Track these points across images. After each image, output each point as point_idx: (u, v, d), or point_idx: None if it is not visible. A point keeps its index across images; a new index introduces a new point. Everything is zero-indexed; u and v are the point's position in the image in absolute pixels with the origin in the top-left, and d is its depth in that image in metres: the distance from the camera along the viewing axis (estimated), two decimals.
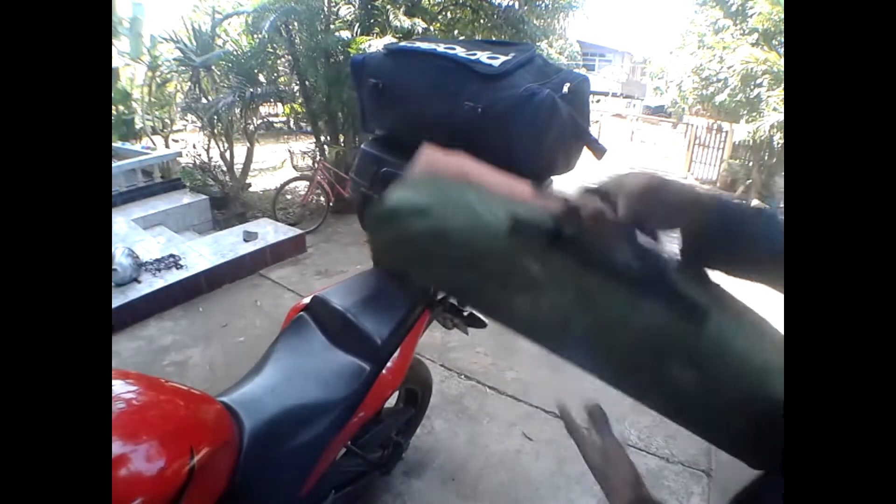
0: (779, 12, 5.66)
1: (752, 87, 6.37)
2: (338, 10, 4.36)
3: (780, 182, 6.79)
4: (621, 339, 0.45)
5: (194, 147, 5.29)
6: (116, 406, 0.72)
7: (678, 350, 0.43)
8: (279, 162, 6.60)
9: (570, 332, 0.47)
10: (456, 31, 4.80)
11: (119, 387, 0.76)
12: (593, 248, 0.45)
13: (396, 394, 1.44)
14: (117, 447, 0.65)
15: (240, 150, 5.36)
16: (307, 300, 1.25)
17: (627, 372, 0.48)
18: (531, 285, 0.47)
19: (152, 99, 6.11)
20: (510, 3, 4.45)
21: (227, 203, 4.80)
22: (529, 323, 0.50)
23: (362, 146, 1.24)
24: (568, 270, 0.46)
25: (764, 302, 0.54)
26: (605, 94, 19.06)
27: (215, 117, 4.46)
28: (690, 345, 0.43)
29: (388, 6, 4.07)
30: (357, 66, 1.14)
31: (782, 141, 5.77)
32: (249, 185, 5.40)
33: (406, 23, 3.96)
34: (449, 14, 4.88)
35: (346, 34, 4.17)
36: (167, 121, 6.55)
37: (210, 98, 4.92)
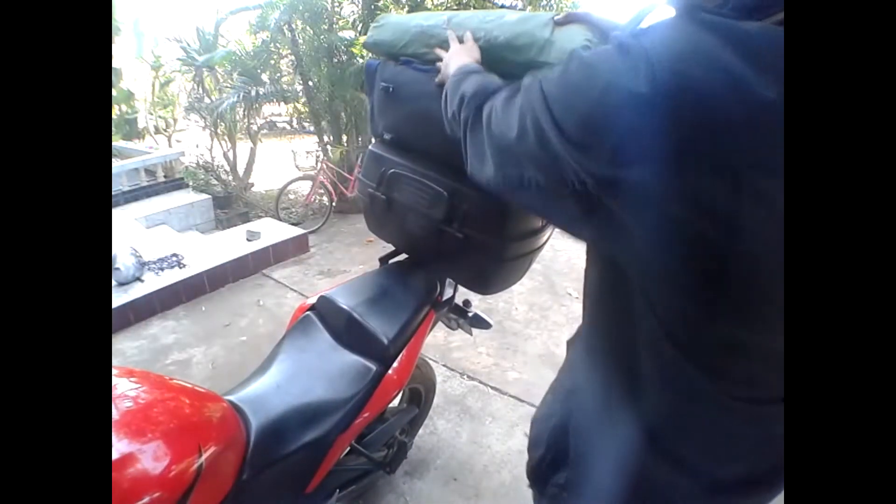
0: None
1: None
2: (341, 9, 4.36)
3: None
4: None
5: (197, 147, 5.30)
6: (124, 404, 0.71)
7: None
8: (282, 161, 6.61)
9: None
10: None
11: (126, 385, 0.76)
12: None
13: (400, 393, 1.44)
14: (125, 445, 0.65)
15: (243, 150, 5.37)
16: (313, 300, 1.25)
17: None
18: None
19: (155, 98, 6.13)
20: (513, 4, 4.44)
21: (230, 203, 4.80)
22: None
23: (370, 147, 1.25)
24: None
25: None
26: None
27: (218, 117, 4.46)
28: None
29: (391, 6, 4.06)
30: (371, 71, 1.15)
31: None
32: (252, 184, 5.41)
33: None
34: None
35: (349, 34, 4.17)
36: (170, 120, 6.56)
37: (213, 98, 4.93)
